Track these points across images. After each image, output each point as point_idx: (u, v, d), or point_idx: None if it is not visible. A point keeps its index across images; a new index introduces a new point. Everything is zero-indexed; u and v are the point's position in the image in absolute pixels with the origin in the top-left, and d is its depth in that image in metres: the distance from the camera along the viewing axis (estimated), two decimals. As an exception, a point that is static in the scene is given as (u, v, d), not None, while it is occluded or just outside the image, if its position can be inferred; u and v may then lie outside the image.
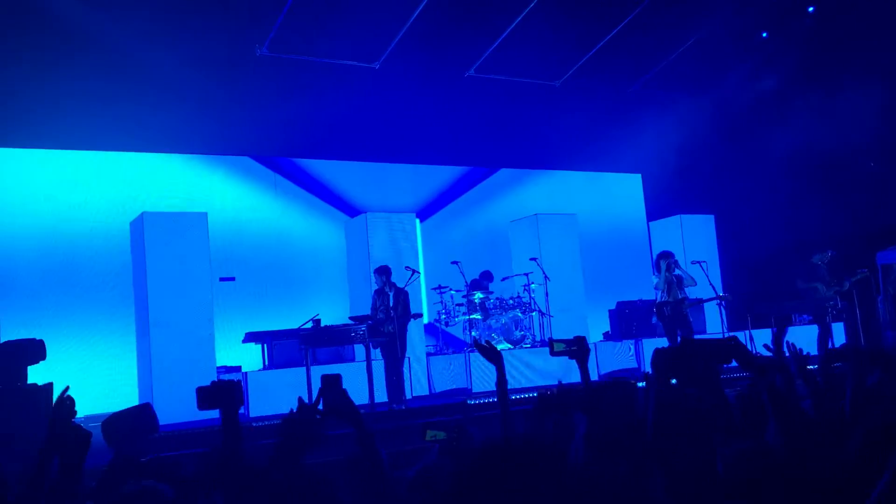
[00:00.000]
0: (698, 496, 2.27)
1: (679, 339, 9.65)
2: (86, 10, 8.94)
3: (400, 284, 9.14)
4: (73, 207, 10.57)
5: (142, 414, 4.55)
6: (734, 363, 2.89)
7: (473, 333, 10.79)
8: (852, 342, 10.37)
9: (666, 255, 9.95)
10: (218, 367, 9.15)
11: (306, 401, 2.76)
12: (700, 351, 2.83)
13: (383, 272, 9.09)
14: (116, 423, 4.32)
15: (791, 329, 11.26)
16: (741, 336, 10.61)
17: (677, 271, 9.84)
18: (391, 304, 8.85)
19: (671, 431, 2.39)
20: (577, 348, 3.71)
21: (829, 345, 10.91)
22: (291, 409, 2.80)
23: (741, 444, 2.53)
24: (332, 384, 2.80)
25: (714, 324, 11.30)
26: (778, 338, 3.25)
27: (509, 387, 3.56)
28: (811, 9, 12.34)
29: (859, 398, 3.21)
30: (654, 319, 10.21)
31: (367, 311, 9.41)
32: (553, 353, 3.75)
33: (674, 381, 2.72)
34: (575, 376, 3.67)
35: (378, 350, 8.82)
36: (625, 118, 13.54)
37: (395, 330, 8.51)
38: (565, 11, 11.00)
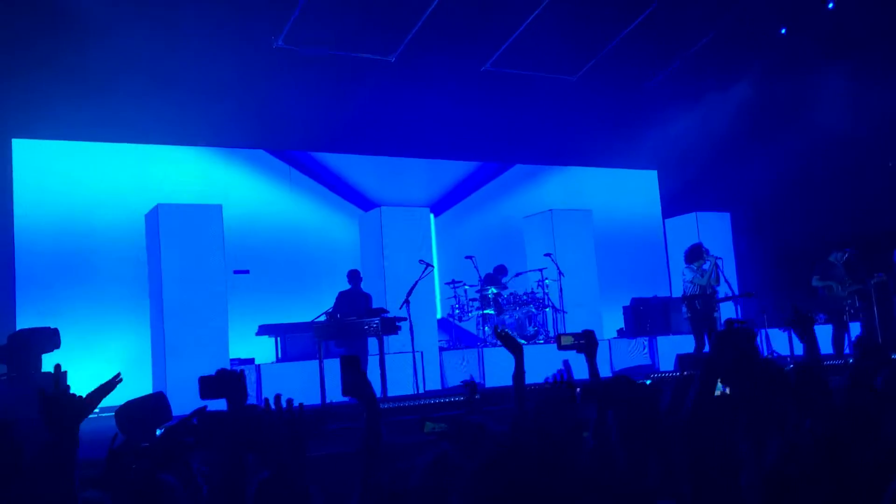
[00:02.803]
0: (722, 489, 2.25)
1: (706, 336, 9.58)
2: (104, 3, 8.96)
3: (414, 278, 9.14)
4: (89, 199, 10.62)
5: (156, 402, 4.57)
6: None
7: (486, 329, 10.75)
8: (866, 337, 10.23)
9: (704, 249, 9.95)
10: (231, 360, 9.16)
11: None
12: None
13: (358, 276, 9.39)
14: (131, 410, 4.34)
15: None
16: (758, 334, 10.52)
17: (706, 265, 9.83)
18: (360, 307, 8.97)
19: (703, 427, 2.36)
20: (586, 342, 3.66)
21: (846, 343, 10.81)
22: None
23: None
24: (351, 365, 2.80)
25: (729, 322, 11.21)
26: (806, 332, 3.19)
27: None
28: (831, 4, 12.21)
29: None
30: (685, 313, 10.02)
31: (379, 304, 9.41)
32: (560, 348, 3.71)
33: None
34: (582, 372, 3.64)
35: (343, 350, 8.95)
36: (641, 114, 13.45)
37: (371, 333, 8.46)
38: (582, 5, 10.93)
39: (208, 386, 2.63)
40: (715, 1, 11.63)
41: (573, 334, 3.75)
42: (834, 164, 13.28)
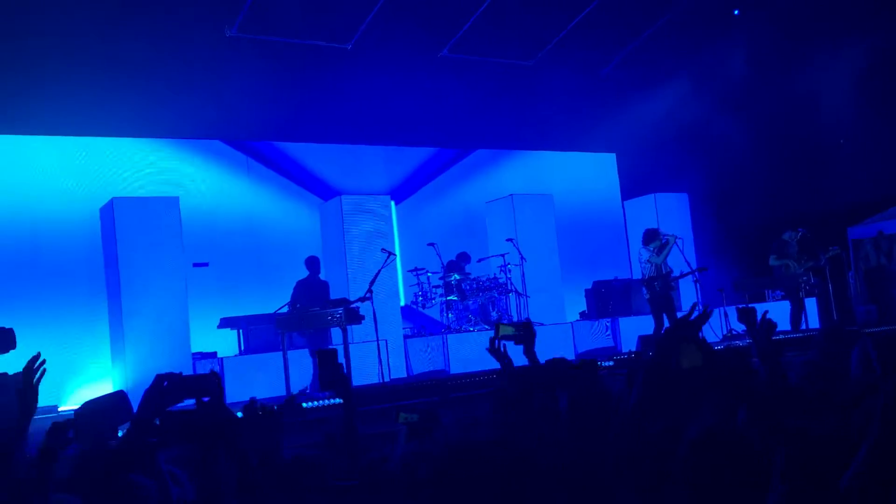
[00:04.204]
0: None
1: (665, 318, 9.75)
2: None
3: (376, 266, 9.12)
4: (42, 194, 10.37)
5: (117, 402, 4.50)
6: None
7: (450, 316, 10.77)
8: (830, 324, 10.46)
9: (657, 231, 10.15)
10: (193, 354, 9.06)
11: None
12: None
13: (317, 263, 9.32)
14: (91, 410, 4.27)
15: (764, 305, 11.41)
16: (716, 312, 10.74)
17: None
18: (318, 296, 8.92)
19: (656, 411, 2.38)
20: (523, 332, 3.61)
21: (803, 320, 11.05)
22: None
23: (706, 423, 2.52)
24: (328, 359, 2.86)
25: (689, 300, 11.39)
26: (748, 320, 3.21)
27: (483, 368, 3.53)
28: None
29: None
30: (646, 295, 10.16)
31: (341, 295, 9.38)
32: (498, 337, 3.64)
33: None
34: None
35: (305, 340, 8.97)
36: (599, 97, 13.53)
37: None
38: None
39: (180, 387, 2.59)
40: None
41: (513, 324, 3.73)
42: (789, 143, 13.51)
